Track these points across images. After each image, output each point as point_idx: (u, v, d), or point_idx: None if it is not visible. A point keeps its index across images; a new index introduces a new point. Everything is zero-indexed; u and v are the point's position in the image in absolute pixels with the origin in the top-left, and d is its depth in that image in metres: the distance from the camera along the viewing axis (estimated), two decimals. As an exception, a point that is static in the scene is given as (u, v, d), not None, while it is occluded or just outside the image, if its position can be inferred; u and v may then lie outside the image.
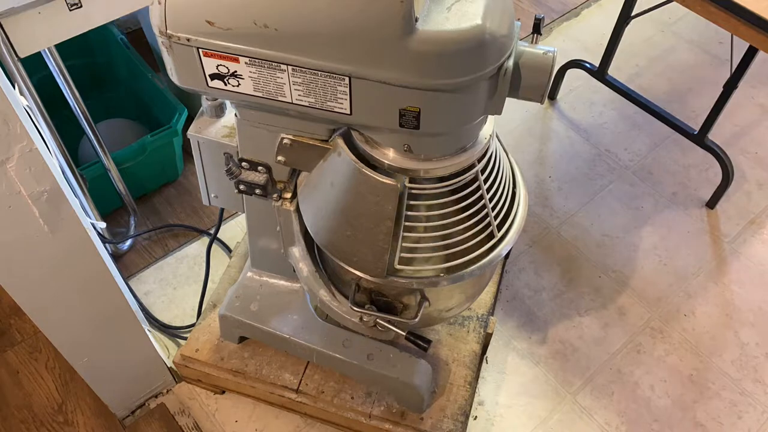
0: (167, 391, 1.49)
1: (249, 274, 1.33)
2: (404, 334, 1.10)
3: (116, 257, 1.70)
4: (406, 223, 0.93)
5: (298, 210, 1.08)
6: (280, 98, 0.83)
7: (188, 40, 0.78)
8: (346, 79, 0.77)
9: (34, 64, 1.36)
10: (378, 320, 1.09)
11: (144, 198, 1.83)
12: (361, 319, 1.09)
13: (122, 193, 1.67)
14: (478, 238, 0.97)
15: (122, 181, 1.64)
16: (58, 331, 1.17)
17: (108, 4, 1.11)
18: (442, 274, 0.99)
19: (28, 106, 1.25)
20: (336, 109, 0.82)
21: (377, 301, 1.09)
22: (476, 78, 0.76)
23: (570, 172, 1.93)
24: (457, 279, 0.99)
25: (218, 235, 1.71)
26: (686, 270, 1.73)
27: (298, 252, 1.17)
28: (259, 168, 1.02)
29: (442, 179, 0.92)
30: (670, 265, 1.74)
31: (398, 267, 0.97)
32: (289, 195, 1.06)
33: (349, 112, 0.82)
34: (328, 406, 1.33)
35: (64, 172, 1.36)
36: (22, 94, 1.24)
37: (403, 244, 0.95)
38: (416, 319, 1.05)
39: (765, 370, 1.56)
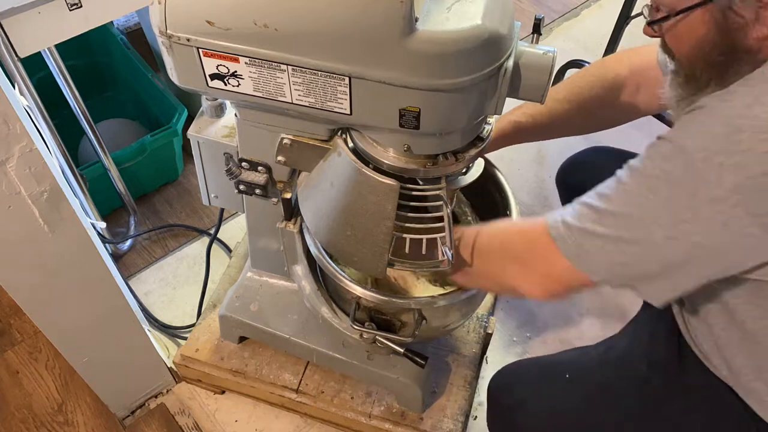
0: (167, 391, 1.49)
1: (249, 274, 1.33)
2: (402, 351, 1.11)
3: (116, 257, 1.71)
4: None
5: (301, 232, 1.10)
6: (280, 98, 0.83)
7: (188, 40, 0.78)
8: (346, 79, 0.77)
9: (34, 64, 1.36)
10: (377, 337, 1.10)
11: (144, 198, 1.83)
12: (361, 335, 1.10)
13: (122, 193, 1.67)
14: (478, 238, 0.98)
15: (122, 181, 1.64)
16: (58, 331, 1.17)
17: (108, 4, 1.11)
18: (436, 295, 1.02)
19: (28, 106, 1.25)
20: (336, 109, 0.82)
21: (376, 318, 1.10)
22: (476, 78, 0.76)
23: (570, 172, 1.93)
24: (455, 298, 1.01)
25: (218, 235, 1.71)
26: (686, 270, 1.72)
27: (300, 270, 1.20)
28: (259, 168, 1.02)
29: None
30: (670, 265, 1.73)
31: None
32: (289, 195, 1.07)
33: (349, 112, 0.82)
34: (328, 406, 1.33)
35: (64, 172, 1.36)
36: (22, 94, 1.24)
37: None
38: (412, 338, 1.07)
39: (765, 370, 1.55)
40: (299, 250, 1.15)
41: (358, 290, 1.04)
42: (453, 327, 1.19)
